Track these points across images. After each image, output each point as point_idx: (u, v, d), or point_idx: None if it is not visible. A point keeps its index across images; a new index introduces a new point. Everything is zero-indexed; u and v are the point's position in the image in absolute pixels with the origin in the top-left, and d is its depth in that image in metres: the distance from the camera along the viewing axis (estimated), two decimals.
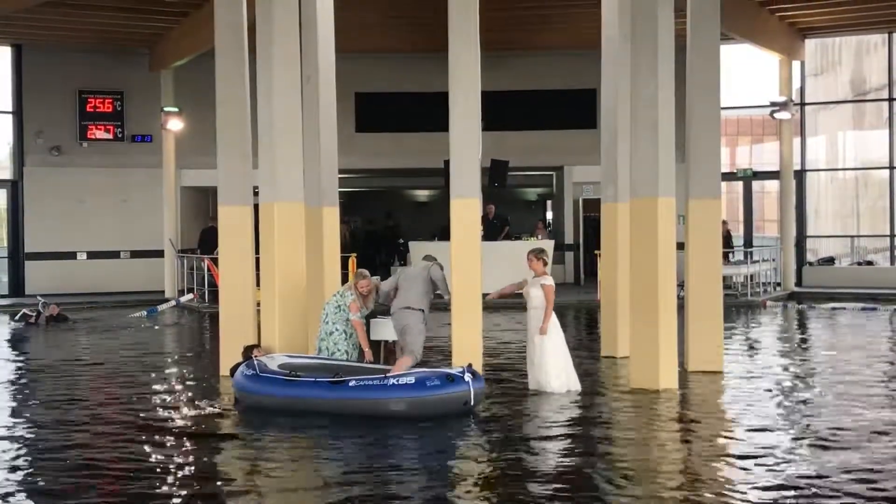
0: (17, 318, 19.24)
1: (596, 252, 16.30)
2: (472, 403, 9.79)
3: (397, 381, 9.72)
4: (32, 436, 9.43)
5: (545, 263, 11.37)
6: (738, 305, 20.55)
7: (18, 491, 7.54)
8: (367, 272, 11.52)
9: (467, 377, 9.75)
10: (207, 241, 23.31)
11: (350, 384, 9.84)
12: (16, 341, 17.02)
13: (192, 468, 8.20)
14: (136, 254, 24.50)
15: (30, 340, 17.06)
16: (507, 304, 18.12)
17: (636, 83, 11.50)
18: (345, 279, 14.20)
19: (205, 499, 7.33)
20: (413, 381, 9.68)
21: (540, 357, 11.07)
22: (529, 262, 11.35)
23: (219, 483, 7.83)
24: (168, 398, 11.17)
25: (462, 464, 8.38)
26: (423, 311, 11.05)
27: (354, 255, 20.91)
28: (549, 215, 29.71)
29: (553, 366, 11.05)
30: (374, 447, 8.85)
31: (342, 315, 11.17)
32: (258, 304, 12.37)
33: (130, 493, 7.45)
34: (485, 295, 11.67)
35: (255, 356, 11.00)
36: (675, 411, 10.34)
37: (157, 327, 18.92)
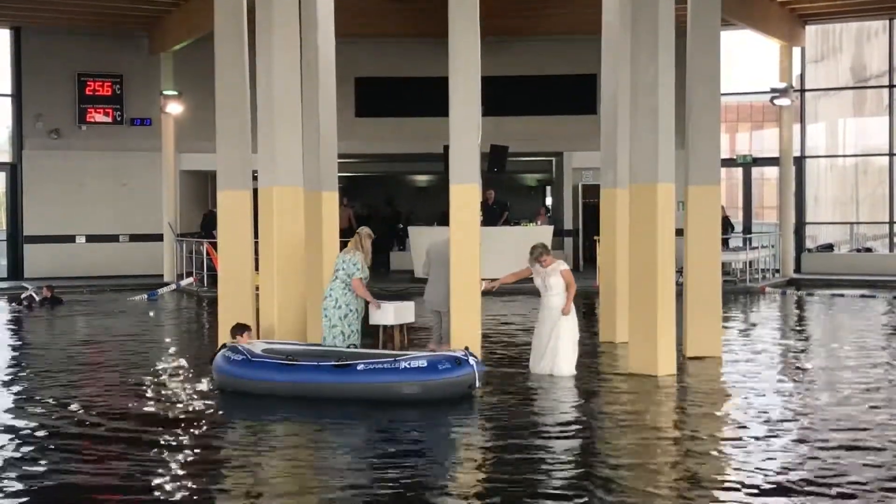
0: (22, 297, 19.30)
1: (595, 238, 16.33)
2: (476, 386, 9.88)
3: (409, 364, 9.71)
4: (26, 422, 9.44)
5: (548, 252, 11.40)
6: (737, 292, 20.57)
7: (15, 480, 7.57)
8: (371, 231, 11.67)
9: (472, 360, 9.86)
10: (209, 225, 23.38)
11: (358, 368, 9.76)
12: (13, 325, 17.03)
13: (185, 454, 8.22)
14: (135, 237, 24.51)
15: (27, 324, 17.08)
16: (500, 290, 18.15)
17: (636, 69, 11.48)
18: None
19: (198, 483, 7.36)
20: (426, 364, 9.71)
21: (554, 341, 11.10)
22: (540, 263, 11.30)
23: (212, 469, 7.85)
24: (165, 382, 11.16)
25: (461, 451, 8.42)
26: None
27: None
28: (549, 201, 29.71)
29: (565, 349, 11.09)
30: (375, 434, 8.88)
31: (351, 294, 11.13)
32: (257, 289, 12.37)
33: (123, 478, 7.48)
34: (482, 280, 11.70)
35: (240, 341, 10.98)
36: (674, 396, 10.37)
37: (154, 312, 18.93)
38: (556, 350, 11.11)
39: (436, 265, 11.82)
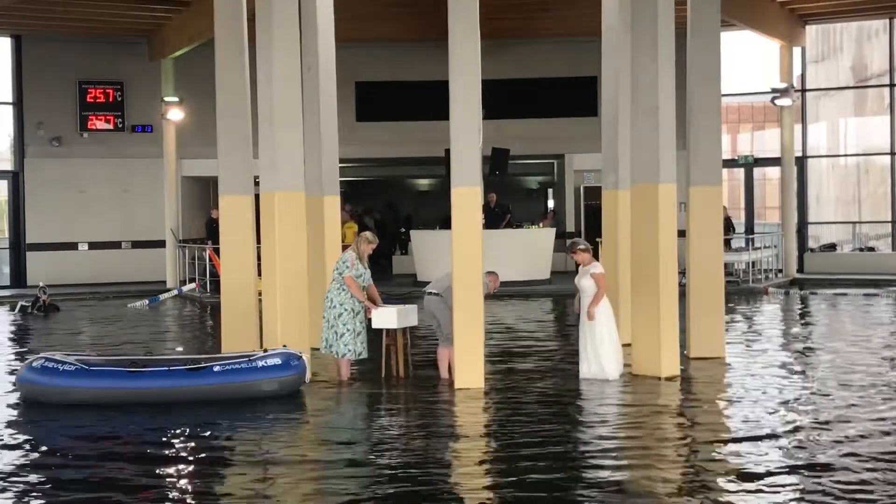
0: (21, 306, 19.33)
1: (597, 240, 16.36)
2: (307, 381, 10.58)
3: (265, 362, 10.14)
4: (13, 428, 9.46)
5: (587, 250, 11.38)
6: (740, 292, 20.56)
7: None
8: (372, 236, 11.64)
9: (305, 356, 10.45)
10: (215, 231, 23.30)
11: (215, 369, 10.05)
12: (15, 331, 17.03)
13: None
14: (137, 244, 24.53)
15: (29, 330, 17.07)
16: (503, 293, 18.17)
17: (637, 70, 11.48)
18: None
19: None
20: (280, 361, 10.19)
21: (595, 344, 11.07)
22: (574, 255, 11.40)
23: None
24: None
25: (464, 445, 8.42)
26: (439, 294, 11.18)
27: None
28: (551, 203, 29.71)
29: (608, 351, 11.06)
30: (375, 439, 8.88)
31: (345, 294, 11.14)
32: (259, 294, 12.36)
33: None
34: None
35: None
36: (677, 398, 10.37)
37: (155, 318, 18.92)
38: (599, 354, 11.05)
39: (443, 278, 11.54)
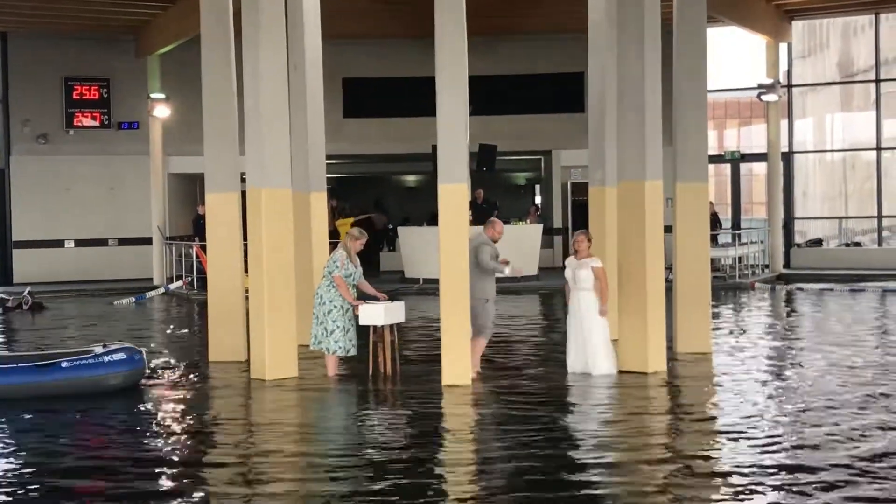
0: (1, 299, 19.34)
1: None
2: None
3: (111, 357, 10.45)
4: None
5: (586, 240, 11.36)
6: (727, 288, 20.63)
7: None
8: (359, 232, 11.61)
9: (144, 351, 10.96)
10: (201, 228, 23.24)
11: (63, 365, 10.30)
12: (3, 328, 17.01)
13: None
14: (124, 241, 24.44)
15: (16, 327, 17.03)
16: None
17: (623, 66, 11.50)
18: None
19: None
20: (125, 356, 10.51)
21: (589, 339, 11.07)
22: (580, 242, 11.30)
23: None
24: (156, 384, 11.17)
25: (451, 444, 8.43)
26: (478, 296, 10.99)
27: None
28: (538, 199, 29.74)
29: (602, 347, 11.08)
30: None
31: (335, 291, 11.17)
32: (247, 291, 12.35)
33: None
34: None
35: None
36: (664, 393, 10.40)
37: (141, 316, 18.87)
38: (592, 348, 11.06)
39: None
